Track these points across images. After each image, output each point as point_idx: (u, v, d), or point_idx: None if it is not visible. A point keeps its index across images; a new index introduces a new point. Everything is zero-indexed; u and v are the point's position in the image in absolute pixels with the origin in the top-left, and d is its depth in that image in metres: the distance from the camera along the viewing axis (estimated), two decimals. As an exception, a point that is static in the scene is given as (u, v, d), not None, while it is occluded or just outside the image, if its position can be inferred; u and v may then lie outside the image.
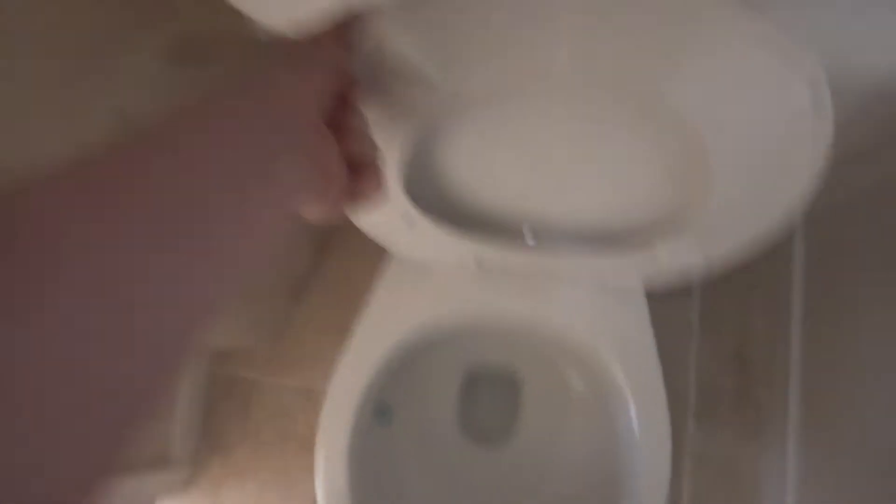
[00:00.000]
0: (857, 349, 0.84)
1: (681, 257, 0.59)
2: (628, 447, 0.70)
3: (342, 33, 0.35)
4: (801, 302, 0.99)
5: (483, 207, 0.64)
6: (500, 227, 0.66)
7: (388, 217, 0.61)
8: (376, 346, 0.72)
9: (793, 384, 0.97)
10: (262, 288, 0.97)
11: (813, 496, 0.91)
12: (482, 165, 0.59)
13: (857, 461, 0.82)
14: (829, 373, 0.90)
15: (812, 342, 0.96)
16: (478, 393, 0.87)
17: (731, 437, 1.03)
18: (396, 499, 0.78)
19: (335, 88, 0.33)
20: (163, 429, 0.99)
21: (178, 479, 1.04)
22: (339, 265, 1.11)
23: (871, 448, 0.79)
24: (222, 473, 1.07)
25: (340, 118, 0.35)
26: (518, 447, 0.84)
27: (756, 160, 0.46)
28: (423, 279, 0.73)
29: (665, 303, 0.96)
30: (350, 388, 0.72)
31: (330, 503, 0.69)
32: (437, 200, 0.62)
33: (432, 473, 0.81)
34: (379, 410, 0.80)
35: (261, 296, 0.97)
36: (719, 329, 1.06)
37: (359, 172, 0.35)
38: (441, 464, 0.82)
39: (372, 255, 0.77)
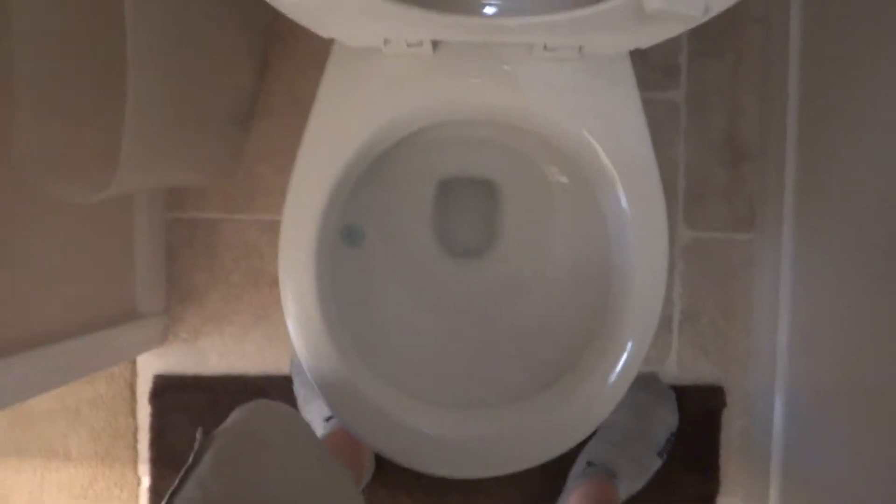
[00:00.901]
0: (857, 127, 0.77)
1: (674, 5, 0.49)
2: (620, 239, 0.64)
3: None
4: (798, 79, 0.90)
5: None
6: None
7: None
8: (330, 158, 0.63)
9: (788, 169, 0.91)
10: (209, 120, 0.86)
11: (808, 284, 0.89)
12: None
13: (855, 246, 0.78)
14: (827, 155, 0.84)
15: (808, 121, 0.88)
16: (453, 204, 0.80)
17: (723, 230, 0.99)
18: (375, 323, 0.74)
19: None
20: (125, 282, 0.93)
21: (152, 334, 1.00)
22: (284, 81, 0.99)
23: (868, 232, 0.75)
24: (198, 323, 1.02)
25: None
26: (500, 256, 0.79)
27: None
28: (373, 73, 0.63)
29: (648, 90, 0.88)
30: (307, 208, 0.64)
31: (303, 337, 0.64)
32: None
33: (411, 292, 0.76)
34: (347, 231, 0.73)
35: (204, 131, 0.87)
36: (708, 115, 0.98)
37: None
38: (420, 281, 0.77)
39: (319, 62, 0.66)
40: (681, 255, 0.99)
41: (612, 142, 0.62)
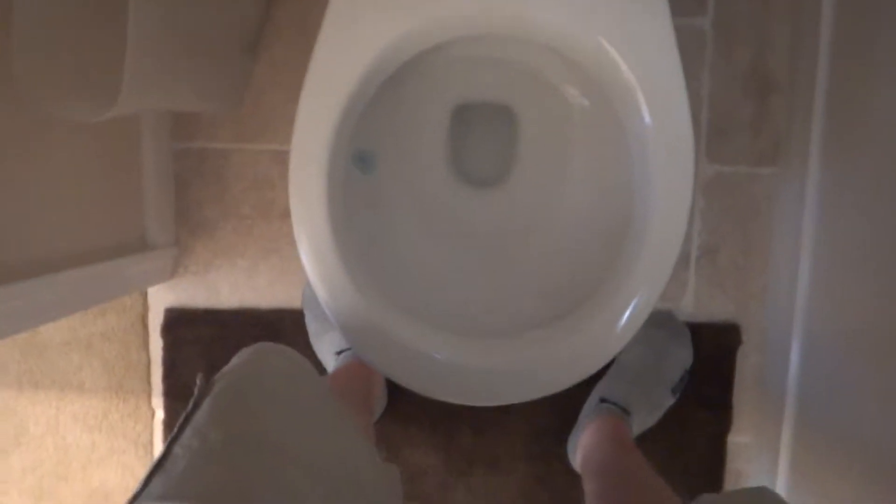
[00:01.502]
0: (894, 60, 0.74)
1: None
2: (642, 161, 0.61)
3: None
4: (832, 8, 0.86)
5: None
6: None
7: None
8: (341, 76, 0.60)
9: (817, 102, 0.88)
10: (214, 46, 0.84)
11: (832, 221, 0.86)
12: None
13: (883, 185, 0.75)
14: (859, 89, 0.80)
15: (841, 52, 0.84)
16: (469, 130, 0.78)
17: (746, 164, 0.96)
18: (389, 250, 0.72)
19: None
20: (134, 211, 0.92)
21: (162, 266, 0.99)
22: (289, 8, 0.96)
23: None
24: (209, 254, 1.01)
25: None
26: (517, 185, 0.76)
27: None
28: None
29: (673, 16, 0.84)
30: (317, 131, 0.62)
31: (316, 266, 0.62)
32: None
33: (425, 220, 0.75)
34: (359, 157, 0.71)
35: (209, 57, 0.84)
36: (735, 44, 0.94)
37: None
38: (434, 210, 0.75)
39: None
40: (702, 191, 0.96)
41: (634, 52, 0.58)
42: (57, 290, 0.76)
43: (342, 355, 0.93)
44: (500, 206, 0.76)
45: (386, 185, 0.73)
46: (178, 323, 1.02)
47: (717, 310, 0.99)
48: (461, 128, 0.77)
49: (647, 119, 0.59)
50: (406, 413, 1.01)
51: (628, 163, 0.65)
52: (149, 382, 1.04)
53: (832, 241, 0.86)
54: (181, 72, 0.75)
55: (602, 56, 0.59)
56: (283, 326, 1.01)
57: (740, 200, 0.97)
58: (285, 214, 0.99)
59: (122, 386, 1.03)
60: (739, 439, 1.00)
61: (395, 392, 0.99)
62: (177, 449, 0.41)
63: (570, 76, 0.71)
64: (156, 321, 1.03)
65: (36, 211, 0.73)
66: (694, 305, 0.98)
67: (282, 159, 0.98)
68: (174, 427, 0.43)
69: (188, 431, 0.42)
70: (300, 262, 0.98)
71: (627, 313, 0.61)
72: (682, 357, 0.95)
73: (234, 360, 0.53)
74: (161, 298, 1.02)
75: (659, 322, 0.95)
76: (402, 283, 0.70)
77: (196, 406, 0.45)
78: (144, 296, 1.03)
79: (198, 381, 0.47)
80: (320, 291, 0.63)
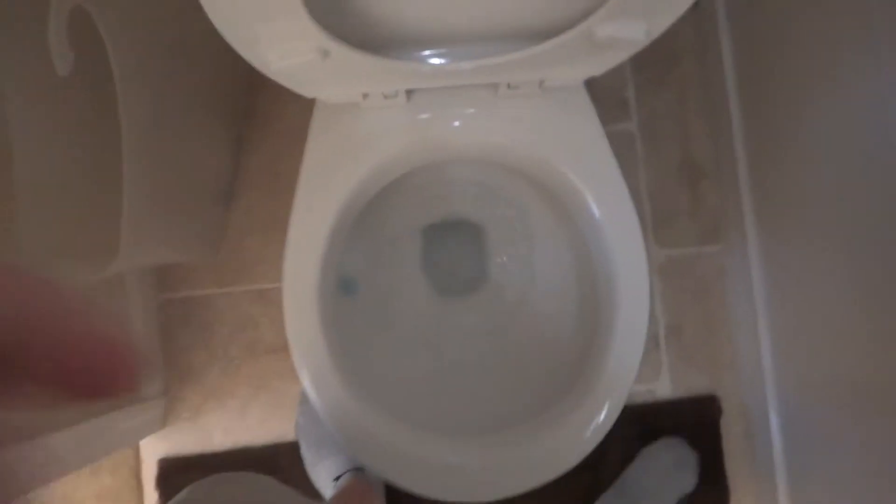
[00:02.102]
0: (797, 136, 0.85)
1: (620, 31, 0.56)
2: (600, 254, 0.69)
3: None
4: (737, 98, 0.98)
5: (398, 24, 0.58)
6: (422, 43, 0.61)
7: (298, 57, 0.55)
8: (323, 211, 0.67)
9: (742, 181, 0.98)
10: (190, 201, 0.90)
11: (778, 285, 0.94)
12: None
13: (815, 244, 0.84)
14: (776, 164, 0.91)
15: (753, 135, 0.96)
16: (440, 247, 0.84)
17: (692, 245, 1.05)
18: (377, 364, 0.77)
19: None
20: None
21: (154, 417, 1.00)
22: (260, 157, 1.04)
23: (825, 229, 0.81)
24: (199, 400, 1.03)
25: None
26: (488, 292, 0.83)
27: None
28: (354, 127, 0.68)
29: (603, 124, 0.94)
30: (306, 262, 0.67)
31: (315, 383, 0.66)
32: (350, 24, 0.56)
33: (407, 333, 0.80)
34: (343, 283, 0.77)
35: (190, 209, 0.91)
36: (662, 140, 1.05)
37: None
38: (414, 322, 0.80)
39: (294, 138, 0.71)
40: (657, 275, 1.04)
41: (579, 164, 0.68)
42: (51, 451, 0.76)
43: (339, 480, 0.94)
44: (474, 313, 0.82)
45: (368, 304, 0.78)
46: (173, 472, 1.01)
47: (693, 384, 1.03)
48: (433, 246, 0.83)
49: (598, 216, 0.67)
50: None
51: (588, 258, 0.73)
52: (145, 541, 1.02)
53: (782, 303, 0.93)
54: (167, 230, 0.81)
55: (553, 171, 0.68)
56: (279, 461, 1.01)
57: (693, 279, 1.05)
58: (270, 350, 1.03)
59: (120, 548, 1.01)
60: (740, 506, 1.02)
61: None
62: None
63: (526, 189, 0.79)
64: (149, 474, 1.02)
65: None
66: (671, 383, 1.03)
67: (262, 297, 1.03)
68: None
69: None
70: (287, 395, 1.01)
71: (605, 407, 0.66)
72: (684, 482, 0.99)
73: (183, 493, 0.52)
74: (153, 450, 1.02)
75: (667, 447, 1.00)
76: (391, 390, 0.73)
77: None
78: (136, 450, 1.02)
79: None
80: (318, 405, 0.66)
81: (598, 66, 0.62)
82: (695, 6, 1.04)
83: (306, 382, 0.66)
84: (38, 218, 0.69)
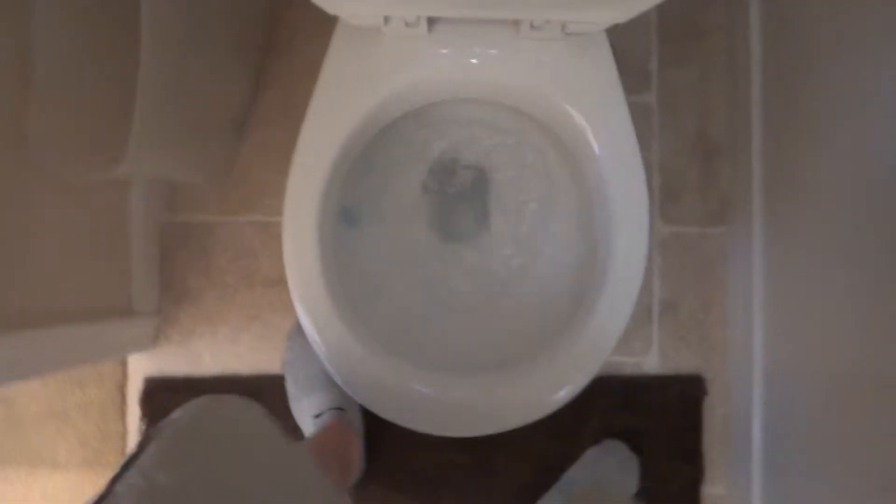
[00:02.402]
0: (816, 124, 0.84)
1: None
2: (603, 211, 0.69)
3: None
4: (760, 80, 0.97)
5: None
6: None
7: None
8: (330, 135, 0.67)
9: (755, 164, 0.98)
10: (204, 123, 0.90)
11: (778, 273, 0.93)
12: None
13: (820, 235, 0.83)
14: (790, 150, 0.90)
15: (772, 118, 0.95)
16: (447, 191, 0.84)
17: (697, 224, 1.05)
18: (374, 297, 0.77)
19: None
20: (120, 277, 0.95)
21: (145, 334, 1.01)
22: (277, 91, 1.04)
23: (832, 221, 0.80)
24: (191, 323, 1.04)
25: None
26: (490, 239, 0.82)
27: None
28: (372, 52, 0.68)
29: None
30: (308, 186, 0.67)
31: (308, 311, 0.66)
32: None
33: (406, 270, 0.79)
34: (345, 212, 0.77)
35: (203, 131, 0.91)
36: (680, 115, 1.05)
37: None
38: (414, 261, 0.80)
39: (313, 73, 0.70)
40: (658, 249, 1.04)
41: (595, 117, 0.67)
42: (40, 347, 0.77)
43: (320, 418, 0.94)
44: (476, 256, 0.81)
45: (370, 237, 0.78)
46: (158, 392, 1.02)
47: (682, 363, 1.04)
48: (439, 186, 0.83)
49: (604, 172, 0.67)
50: (387, 479, 1.01)
51: (591, 215, 0.73)
52: (125, 455, 1.03)
53: (780, 292, 0.93)
54: (179, 141, 0.81)
55: (568, 120, 0.68)
56: (264, 391, 1.02)
57: (695, 258, 1.04)
58: (267, 282, 1.04)
59: (98, 459, 1.02)
60: (713, 490, 1.03)
61: (377, 459, 1.00)
62: (119, 488, 0.40)
63: (539, 136, 0.78)
64: (134, 391, 1.03)
65: (21, 266, 0.75)
66: (660, 358, 1.03)
67: (265, 230, 1.04)
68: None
69: (132, 471, 0.41)
70: (279, 329, 1.02)
71: (589, 351, 0.66)
72: (626, 485, 0.99)
73: (178, 411, 0.52)
74: (141, 368, 1.03)
75: (610, 449, 1.01)
76: (387, 324, 0.74)
77: (140, 450, 0.44)
78: (124, 365, 1.03)
79: (142, 427, 0.46)
80: (311, 333, 0.66)
81: (625, 10, 0.61)
82: (729, -18, 1.03)
83: (300, 308, 0.66)
84: (51, 110, 0.69)
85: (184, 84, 0.79)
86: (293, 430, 0.97)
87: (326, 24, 0.69)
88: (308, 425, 0.96)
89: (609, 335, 0.67)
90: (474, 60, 0.68)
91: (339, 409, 0.94)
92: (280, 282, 1.02)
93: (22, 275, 0.75)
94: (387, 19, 0.64)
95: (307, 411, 0.96)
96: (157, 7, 0.66)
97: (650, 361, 1.03)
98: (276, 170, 1.03)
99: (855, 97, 0.75)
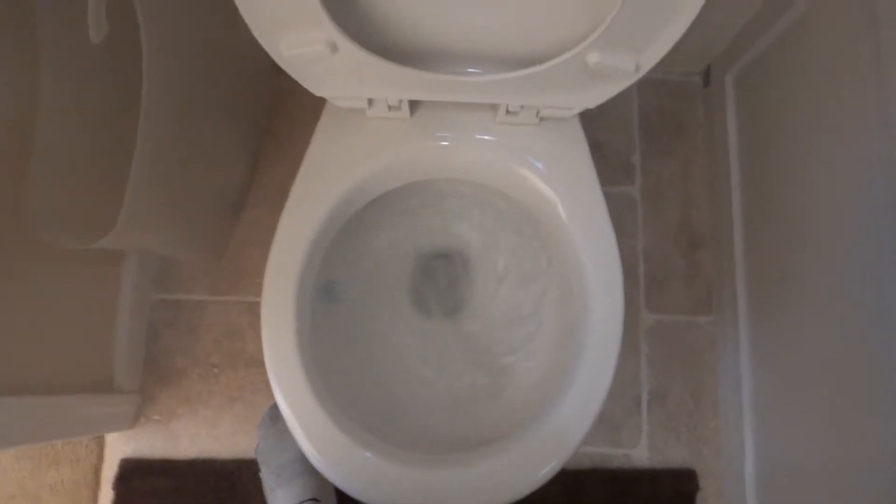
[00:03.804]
0: (794, 209, 0.86)
1: (610, 60, 0.59)
2: (577, 283, 0.69)
3: None
4: (738, 171, 1.01)
5: (409, 36, 0.62)
6: (429, 57, 0.64)
7: (308, 46, 0.59)
8: (310, 213, 0.70)
9: (738, 255, 0.99)
10: (198, 201, 0.94)
11: (765, 364, 0.93)
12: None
13: (804, 326, 0.84)
14: (771, 241, 0.92)
15: (752, 212, 0.97)
16: (428, 270, 0.86)
17: (684, 313, 1.05)
18: (354, 374, 0.76)
19: None
20: (104, 352, 0.95)
21: (124, 412, 0.99)
22: (275, 175, 1.09)
23: (816, 310, 0.81)
24: (173, 403, 1.02)
25: None
26: (469, 318, 0.83)
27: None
28: (356, 133, 0.71)
29: (608, 185, 0.96)
30: (287, 263, 0.69)
31: (287, 393, 0.66)
32: (362, 25, 0.60)
33: (386, 346, 0.79)
34: (327, 288, 0.78)
35: (197, 209, 0.94)
36: (663, 207, 1.08)
37: None
38: (394, 337, 0.80)
39: None
40: (645, 338, 1.03)
41: (565, 190, 0.70)
42: (13, 415, 0.76)
43: (296, 511, 0.91)
44: (456, 334, 0.82)
45: (351, 313, 0.79)
46: (133, 474, 0.99)
47: (672, 455, 1.00)
48: (421, 265, 0.85)
49: (581, 255, 0.68)
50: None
51: (569, 291, 0.73)
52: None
53: (767, 384, 0.92)
54: (172, 216, 0.84)
55: (543, 200, 0.71)
56: (240, 478, 0.99)
57: (683, 347, 1.04)
58: (252, 363, 1.03)
59: (64, 546, 0.98)
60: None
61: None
62: None
63: (514, 216, 0.80)
64: (109, 472, 1.00)
65: (8, 332, 0.76)
66: (649, 450, 1.00)
67: (253, 310, 1.04)
68: None
69: None
70: (263, 409, 1.00)
71: (573, 424, 0.65)
72: None
73: None
74: (118, 449, 1.01)
75: None
76: (367, 403, 0.72)
77: None
78: (101, 446, 1.01)
79: None
80: (286, 412, 0.65)
81: (592, 97, 0.65)
82: (706, 84, 1.08)
83: (276, 387, 0.65)
84: (48, 179, 0.72)
85: (180, 162, 0.82)
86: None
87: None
88: (283, 517, 0.92)
89: (590, 405, 0.65)
90: (452, 143, 0.71)
91: (314, 500, 0.91)
92: (264, 363, 1.01)
93: (4, 340, 0.75)
94: (370, 102, 0.68)
95: (283, 502, 0.93)
96: (158, 85, 0.71)
97: (639, 453, 1.00)
98: (268, 252, 1.05)
99: (827, 190, 0.78)
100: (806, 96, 0.82)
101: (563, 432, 0.64)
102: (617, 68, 0.59)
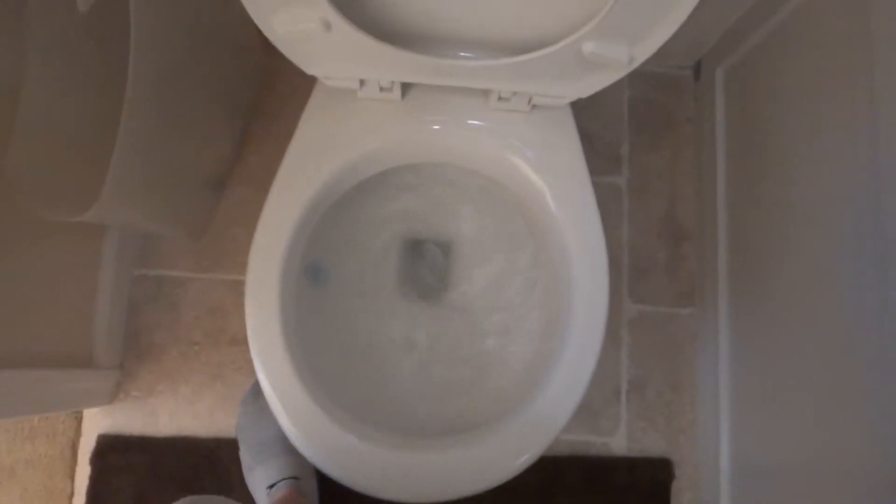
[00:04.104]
0: (777, 206, 0.87)
1: (605, 50, 0.59)
2: (562, 270, 0.70)
3: None
4: (725, 166, 1.01)
5: (404, 18, 0.62)
6: (423, 40, 0.64)
7: (302, 24, 0.58)
8: (297, 193, 0.69)
9: (721, 249, 1.00)
10: (182, 177, 0.92)
11: (743, 357, 0.94)
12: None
13: (784, 323, 0.85)
14: (754, 236, 0.93)
15: (736, 207, 0.98)
16: (413, 253, 0.86)
17: (666, 304, 1.06)
18: (336, 355, 0.76)
19: None
20: (84, 327, 0.94)
21: (103, 387, 0.99)
22: (262, 154, 1.07)
23: (794, 306, 0.82)
24: (152, 380, 1.02)
25: None
26: (457, 301, 0.83)
27: None
28: (346, 114, 0.70)
29: (595, 175, 0.97)
30: (273, 242, 0.69)
31: (269, 371, 0.65)
32: (356, 4, 0.60)
33: (371, 329, 0.79)
34: (312, 269, 0.78)
35: (181, 185, 0.93)
36: (649, 198, 1.08)
37: None
38: (378, 320, 0.80)
39: None
40: (627, 328, 1.04)
41: (553, 179, 0.70)
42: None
43: (273, 489, 0.91)
44: (440, 318, 0.82)
45: (336, 294, 0.79)
46: (110, 450, 0.99)
47: (649, 444, 1.02)
48: (406, 248, 0.85)
49: (567, 243, 0.68)
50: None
51: (554, 279, 0.74)
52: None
53: (746, 376, 0.93)
54: (155, 191, 0.83)
55: (531, 189, 0.70)
56: (220, 456, 0.99)
57: (664, 338, 1.05)
58: (233, 341, 1.03)
59: (39, 519, 0.97)
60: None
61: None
62: None
63: (506, 206, 0.80)
64: (86, 448, 0.99)
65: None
66: (627, 439, 1.02)
67: (236, 288, 1.04)
68: None
69: None
70: (242, 390, 1.00)
71: (551, 415, 0.65)
72: None
73: None
74: (96, 424, 1.00)
75: None
76: (349, 385, 0.72)
77: None
78: (79, 421, 1.00)
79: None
80: (267, 389, 0.65)
81: (585, 87, 0.65)
82: (696, 78, 1.09)
83: (259, 365, 0.65)
84: (32, 147, 0.71)
85: (165, 136, 0.81)
86: (249, 501, 0.94)
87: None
88: (262, 496, 0.92)
89: (571, 394, 0.65)
90: (443, 127, 0.71)
91: (294, 478, 0.91)
92: (246, 341, 1.00)
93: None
94: (362, 82, 0.68)
95: (261, 481, 0.93)
96: (146, 58, 0.69)
97: (617, 442, 1.01)
98: (252, 230, 1.04)
99: (813, 187, 0.78)
100: (797, 92, 0.83)
101: (544, 421, 0.65)
102: (611, 59, 0.59)
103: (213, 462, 1.00)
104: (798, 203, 0.82)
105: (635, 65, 0.61)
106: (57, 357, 0.88)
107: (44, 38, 0.68)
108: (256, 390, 0.95)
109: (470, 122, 0.71)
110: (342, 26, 0.58)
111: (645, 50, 0.60)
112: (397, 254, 0.83)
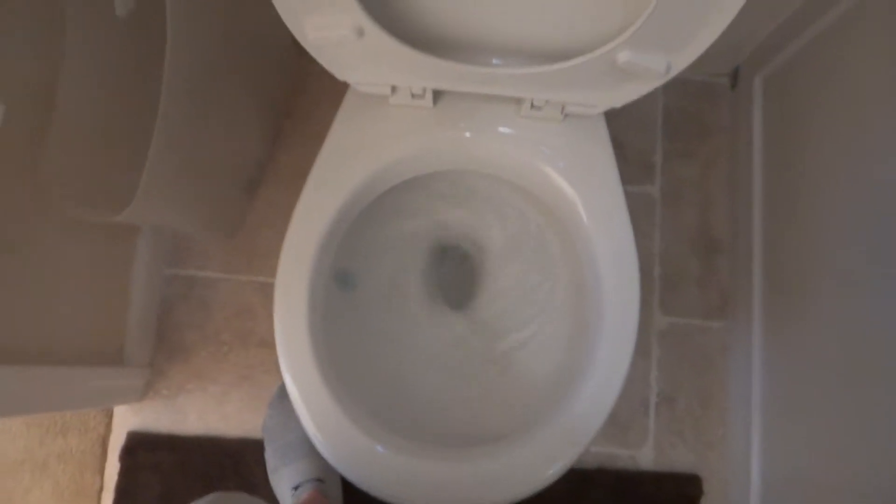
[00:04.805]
0: (815, 219, 0.85)
1: (641, 60, 0.58)
2: (593, 282, 0.68)
3: None
4: (762, 177, 0.99)
5: (436, 25, 0.62)
6: (456, 47, 0.64)
7: (334, 30, 0.58)
8: (327, 200, 0.69)
9: (756, 262, 0.98)
10: (215, 178, 0.93)
11: (777, 373, 0.92)
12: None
13: (819, 338, 0.83)
14: (789, 250, 0.91)
15: (772, 219, 0.96)
16: (444, 260, 0.85)
17: (697, 317, 1.04)
18: (364, 362, 0.76)
19: None
20: (116, 326, 0.95)
21: (134, 385, 1.00)
22: (293, 156, 1.08)
23: (830, 321, 0.80)
24: (182, 379, 1.03)
25: None
26: (486, 310, 0.82)
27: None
28: (377, 121, 0.70)
29: (627, 184, 0.95)
30: (302, 249, 0.69)
31: (295, 376, 0.65)
32: (389, 11, 0.60)
33: (399, 337, 0.79)
34: (341, 276, 0.78)
35: (214, 186, 0.94)
36: (682, 208, 1.06)
37: None
38: (407, 328, 0.80)
39: None
40: (657, 340, 1.02)
41: (586, 190, 0.69)
42: (25, 384, 0.76)
43: (298, 490, 0.92)
44: (469, 327, 0.81)
45: (365, 302, 0.79)
46: (139, 447, 1.00)
47: (677, 459, 1.00)
48: (436, 256, 0.84)
49: (598, 254, 0.67)
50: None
51: (582, 291, 0.72)
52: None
53: (779, 392, 0.91)
54: (188, 192, 0.84)
55: (563, 199, 0.70)
56: (245, 457, 1.00)
57: (694, 351, 1.03)
58: (262, 343, 1.03)
59: (69, 513, 0.99)
60: None
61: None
62: None
63: (537, 214, 0.80)
64: (116, 444, 1.01)
65: (19, 302, 0.76)
66: (655, 453, 1.00)
67: (266, 290, 1.04)
68: None
69: None
70: (272, 390, 1.00)
71: (580, 426, 0.64)
72: None
73: None
74: (126, 421, 1.02)
75: None
76: (375, 392, 0.72)
77: None
78: (109, 418, 1.02)
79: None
80: (294, 394, 0.65)
81: (620, 96, 0.64)
82: (733, 87, 1.07)
83: (285, 369, 0.65)
84: (67, 149, 0.72)
85: (200, 138, 0.82)
86: (272, 501, 0.94)
87: (344, 96, 0.73)
88: (287, 498, 0.93)
89: (601, 405, 0.64)
90: (475, 134, 0.70)
91: (319, 480, 0.91)
92: (274, 344, 1.01)
93: (14, 310, 0.75)
94: (394, 89, 0.68)
95: (286, 483, 0.94)
96: (181, 59, 0.70)
97: (645, 455, 0.99)
98: (282, 232, 1.04)
99: (855, 203, 0.76)
100: (842, 103, 0.80)
101: (574, 431, 0.64)
102: (647, 69, 0.58)
103: (237, 463, 1.01)
104: (839, 218, 0.79)
105: (673, 74, 0.60)
106: (89, 354, 0.90)
107: (81, 42, 0.69)
108: (283, 392, 0.95)
109: (501, 129, 0.71)
110: (375, 32, 0.58)
111: (683, 59, 0.59)
112: (425, 261, 0.83)
